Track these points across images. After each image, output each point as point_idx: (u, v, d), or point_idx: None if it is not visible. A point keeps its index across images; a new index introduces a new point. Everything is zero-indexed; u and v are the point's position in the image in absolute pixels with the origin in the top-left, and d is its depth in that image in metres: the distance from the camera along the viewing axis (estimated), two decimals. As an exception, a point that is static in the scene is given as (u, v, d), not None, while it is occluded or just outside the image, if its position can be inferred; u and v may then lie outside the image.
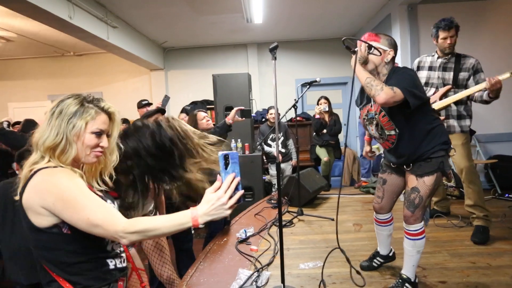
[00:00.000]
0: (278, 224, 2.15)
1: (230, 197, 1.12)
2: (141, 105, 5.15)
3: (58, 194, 1.09)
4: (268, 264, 2.39)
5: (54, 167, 1.16)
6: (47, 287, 1.19)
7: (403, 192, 2.12)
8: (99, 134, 1.21)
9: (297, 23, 5.80)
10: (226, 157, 1.14)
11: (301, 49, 6.96)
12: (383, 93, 1.71)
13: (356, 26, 6.21)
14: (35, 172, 1.12)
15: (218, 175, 1.15)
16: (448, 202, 3.41)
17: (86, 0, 4.19)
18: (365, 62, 1.92)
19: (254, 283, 2.09)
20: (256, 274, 2.22)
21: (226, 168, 1.14)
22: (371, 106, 1.98)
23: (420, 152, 1.90)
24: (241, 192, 1.15)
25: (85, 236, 1.15)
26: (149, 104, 5.24)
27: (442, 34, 2.87)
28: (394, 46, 1.92)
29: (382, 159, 2.28)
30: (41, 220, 1.11)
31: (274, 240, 2.81)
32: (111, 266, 1.27)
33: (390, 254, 2.35)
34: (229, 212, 1.13)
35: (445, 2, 4.66)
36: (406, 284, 1.94)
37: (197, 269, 2.35)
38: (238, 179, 1.14)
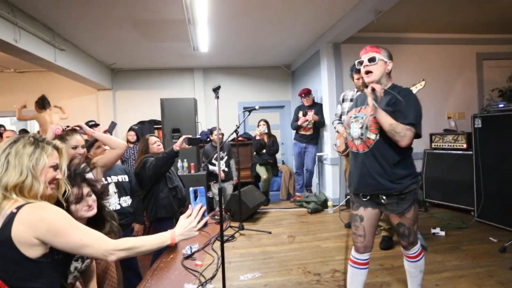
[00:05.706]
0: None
1: (199, 221, 1.39)
2: (87, 126, 4.96)
3: (51, 223, 1.15)
4: (212, 278, 2.51)
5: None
6: None
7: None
8: (55, 167, 1.29)
9: (240, 52, 6.07)
10: (195, 192, 1.44)
11: (243, 75, 7.21)
12: (407, 139, 1.74)
13: (291, 57, 6.68)
14: (18, 208, 1.14)
15: (190, 205, 1.43)
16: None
17: (33, 23, 4.02)
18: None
19: (198, 296, 2.19)
20: (200, 287, 2.33)
21: (195, 200, 1.43)
22: (365, 108, 1.96)
23: (391, 182, 1.82)
24: (207, 217, 1.43)
25: (60, 267, 1.23)
26: (96, 124, 5.07)
27: (355, 76, 3.31)
28: (391, 58, 1.93)
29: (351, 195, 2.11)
30: (33, 250, 1.14)
31: (217, 254, 2.93)
32: None
33: None
34: (197, 233, 1.40)
35: (363, 43, 5.22)
36: None
37: (145, 287, 2.39)
38: (204, 208, 1.42)
